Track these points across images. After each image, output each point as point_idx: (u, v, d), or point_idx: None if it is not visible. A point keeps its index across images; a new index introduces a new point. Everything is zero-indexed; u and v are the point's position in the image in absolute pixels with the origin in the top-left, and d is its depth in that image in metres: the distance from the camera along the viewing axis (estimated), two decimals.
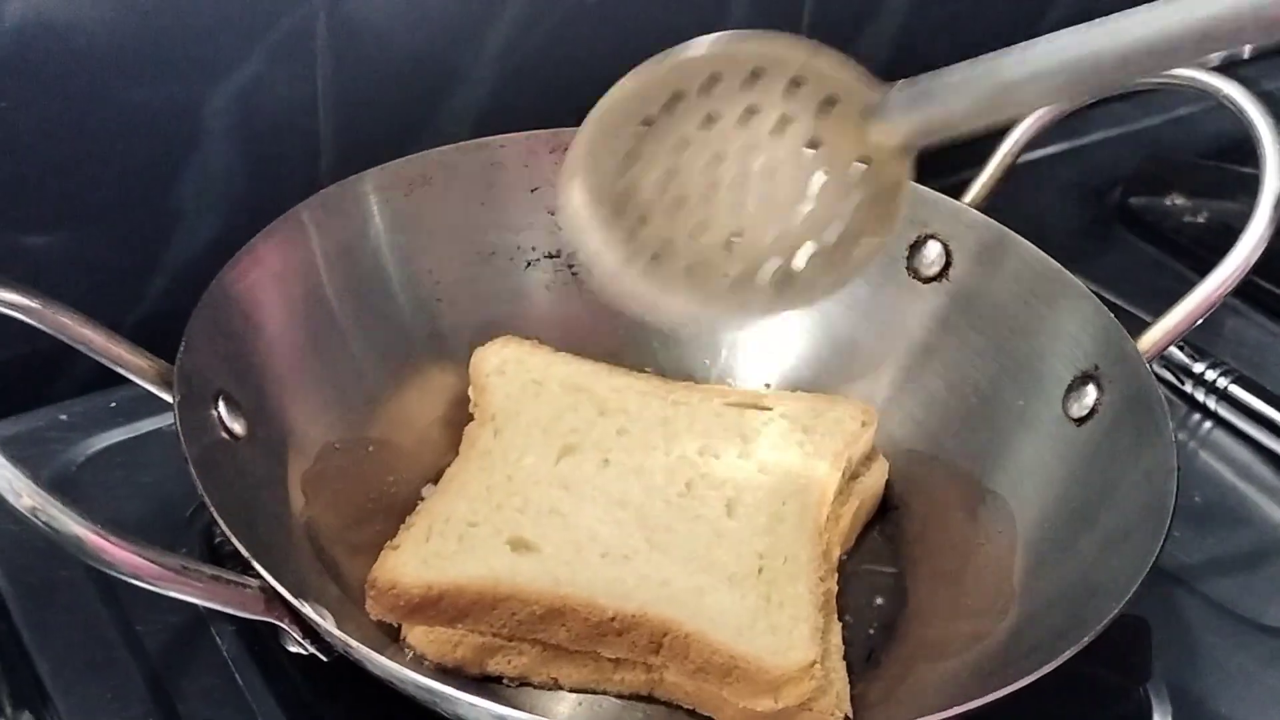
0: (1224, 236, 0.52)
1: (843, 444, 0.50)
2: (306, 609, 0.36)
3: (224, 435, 0.43)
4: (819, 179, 0.42)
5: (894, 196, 0.42)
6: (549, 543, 0.45)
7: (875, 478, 0.52)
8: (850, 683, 0.44)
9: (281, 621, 0.37)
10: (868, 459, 0.52)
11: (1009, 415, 0.50)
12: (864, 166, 0.42)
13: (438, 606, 0.43)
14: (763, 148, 0.43)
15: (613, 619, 0.42)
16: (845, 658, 0.45)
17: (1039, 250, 0.52)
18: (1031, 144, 0.58)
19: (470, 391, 0.52)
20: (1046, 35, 0.39)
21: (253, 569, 0.37)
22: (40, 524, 0.33)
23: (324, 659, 0.38)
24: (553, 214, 0.56)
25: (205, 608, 0.47)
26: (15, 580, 0.48)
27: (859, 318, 0.55)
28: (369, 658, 0.35)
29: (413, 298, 0.53)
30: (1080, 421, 0.48)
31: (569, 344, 0.55)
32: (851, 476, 0.50)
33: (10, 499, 0.33)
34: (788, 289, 0.42)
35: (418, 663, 0.43)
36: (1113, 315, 0.50)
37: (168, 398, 0.42)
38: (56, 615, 0.47)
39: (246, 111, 0.57)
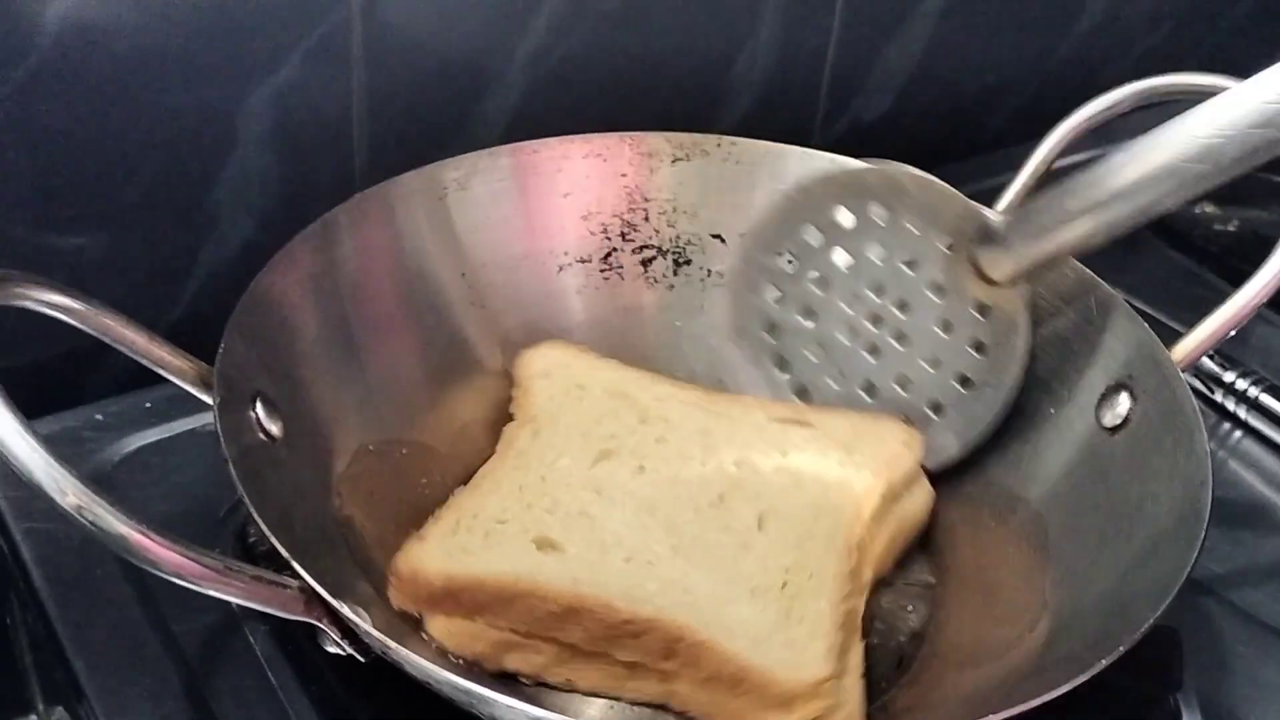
0: (1254, 245, 0.52)
1: (883, 464, 0.49)
2: (345, 609, 0.36)
3: (261, 437, 0.43)
4: (943, 323, 0.47)
5: (1011, 340, 0.45)
6: (574, 544, 0.45)
7: (917, 503, 0.50)
8: (880, 689, 0.44)
9: (320, 622, 0.38)
10: (910, 482, 0.50)
11: (1041, 423, 0.50)
12: (980, 317, 0.46)
13: (458, 598, 0.43)
14: (893, 289, 0.47)
15: (628, 621, 0.42)
16: (876, 665, 0.45)
17: (1073, 259, 0.51)
18: (1064, 152, 0.58)
19: (513, 392, 0.52)
20: (1153, 134, 0.41)
21: (291, 569, 0.37)
22: (85, 522, 0.33)
23: (361, 659, 0.39)
24: (585, 218, 0.56)
25: (240, 607, 0.47)
26: (51, 579, 0.48)
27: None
28: (407, 658, 0.36)
29: (446, 301, 0.53)
30: (1113, 430, 0.48)
31: (599, 348, 0.55)
32: (891, 499, 0.49)
33: (56, 497, 0.33)
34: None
35: (440, 655, 0.43)
36: (1146, 325, 0.49)
37: (207, 399, 0.43)
38: (92, 613, 0.47)
39: (282, 116, 0.58)
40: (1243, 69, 0.56)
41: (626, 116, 0.60)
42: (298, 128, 0.58)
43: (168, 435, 0.55)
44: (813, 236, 0.49)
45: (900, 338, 0.47)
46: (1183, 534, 0.42)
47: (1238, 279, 0.51)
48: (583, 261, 0.56)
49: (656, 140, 0.56)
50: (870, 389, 0.47)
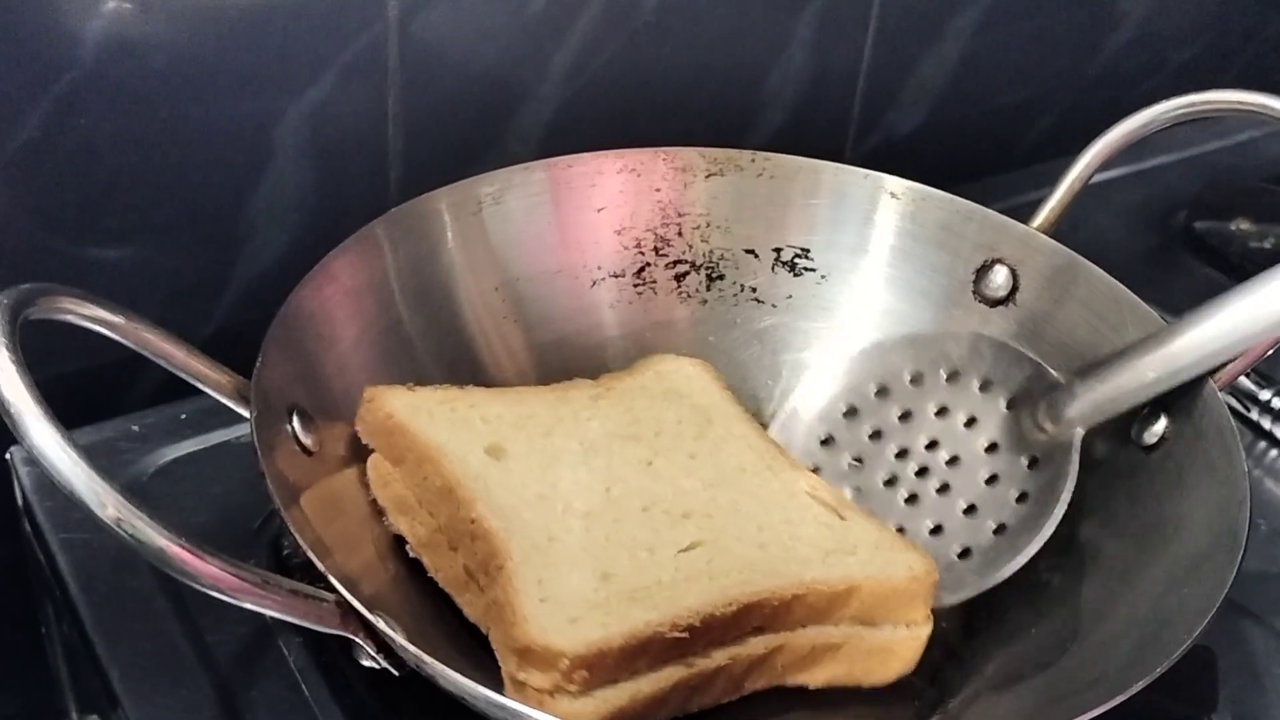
0: None
1: (875, 576, 0.45)
2: (380, 623, 0.36)
3: (297, 450, 0.43)
4: (990, 477, 0.47)
5: (1053, 495, 0.45)
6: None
7: (893, 639, 0.45)
8: (916, 712, 0.44)
9: (356, 636, 0.38)
10: (894, 614, 0.45)
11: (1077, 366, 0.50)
12: (1029, 470, 0.46)
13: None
14: (946, 445, 0.48)
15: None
16: (911, 685, 0.45)
17: (1109, 276, 0.51)
18: (1100, 168, 0.58)
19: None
20: (1232, 297, 0.44)
21: (327, 583, 0.37)
22: (124, 535, 0.34)
23: (395, 673, 0.39)
24: (619, 233, 0.57)
25: (273, 620, 0.48)
26: (87, 589, 0.49)
27: None
28: (441, 673, 0.36)
29: (479, 315, 0.53)
30: (1150, 450, 0.48)
31: (631, 361, 0.55)
32: (850, 610, 0.45)
33: (96, 509, 0.34)
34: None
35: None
36: None
37: (244, 412, 0.43)
38: (128, 624, 0.47)
39: (318, 129, 0.58)
40: (1277, 84, 0.56)
41: (659, 131, 0.60)
42: (333, 142, 0.59)
43: (202, 447, 0.55)
44: (876, 391, 0.50)
45: (943, 489, 0.48)
46: (1221, 554, 0.42)
47: None
48: (616, 276, 0.56)
49: (691, 155, 0.56)
50: (900, 531, 0.47)
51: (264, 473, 0.39)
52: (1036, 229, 0.55)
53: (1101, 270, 0.52)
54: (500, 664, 0.41)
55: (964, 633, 0.48)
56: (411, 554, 0.46)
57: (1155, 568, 0.44)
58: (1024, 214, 0.56)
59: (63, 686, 0.60)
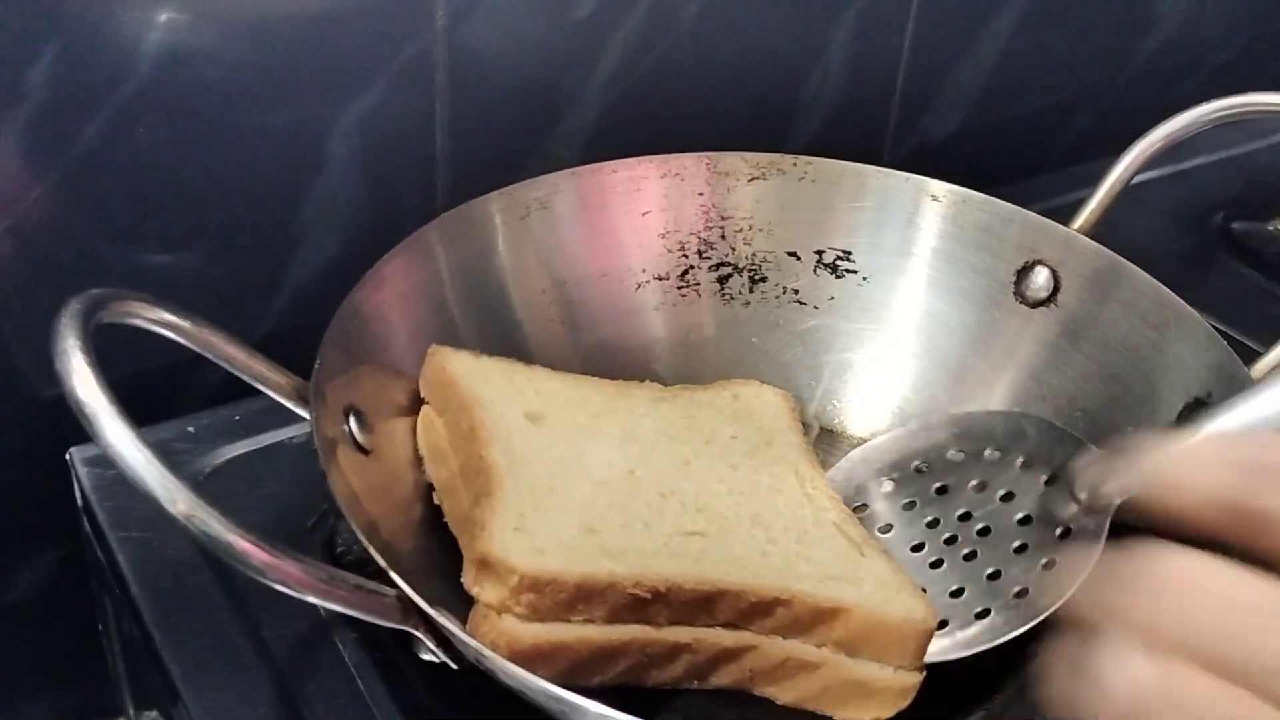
0: None
1: (871, 605, 0.44)
2: (441, 618, 0.37)
3: (354, 450, 0.44)
4: (1020, 547, 0.47)
5: (1082, 563, 0.45)
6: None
7: (878, 676, 0.44)
8: (962, 709, 0.45)
9: (416, 630, 0.38)
10: (886, 655, 0.44)
11: (1119, 440, 0.50)
12: (1060, 540, 0.46)
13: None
14: (979, 517, 0.48)
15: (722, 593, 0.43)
16: (956, 687, 0.45)
17: (1150, 277, 0.52)
18: (1139, 170, 0.59)
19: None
20: (1249, 393, 0.43)
21: (387, 578, 0.38)
22: (195, 530, 0.35)
23: (454, 666, 0.39)
24: (663, 236, 0.57)
25: (328, 615, 0.49)
26: (147, 587, 0.50)
27: (967, 342, 0.56)
28: (502, 667, 0.37)
29: (527, 317, 0.54)
30: None
31: (677, 362, 0.56)
32: (836, 637, 0.44)
33: (167, 505, 0.35)
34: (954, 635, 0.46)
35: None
36: (1225, 343, 0.50)
37: (303, 413, 0.44)
38: (187, 620, 0.48)
39: (368, 137, 0.59)
40: None
41: (699, 137, 0.61)
42: (383, 149, 0.60)
43: (256, 448, 0.56)
44: (921, 467, 0.51)
45: (970, 557, 0.47)
46: None
47: None
48: (660, 279, 0.57)
49: (733, 160, 0.57)
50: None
51: (325, 472, 0.40)
52: (1079, 228, 0.55)
53: (1144, 272, 0.52)
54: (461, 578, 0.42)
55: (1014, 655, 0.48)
56: (435, 499, 0.47)
57: None
58: (1062, 216, 0.57)
59: (120, 684, 0.62)
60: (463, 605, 0.41)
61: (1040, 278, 0.55)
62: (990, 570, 0.47)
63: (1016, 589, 0.46)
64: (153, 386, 0.59)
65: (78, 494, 0.56)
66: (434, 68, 0.59)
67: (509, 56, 0.61)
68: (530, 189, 0.54)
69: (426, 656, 0.39)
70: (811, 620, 0.43)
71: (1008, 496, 0.48)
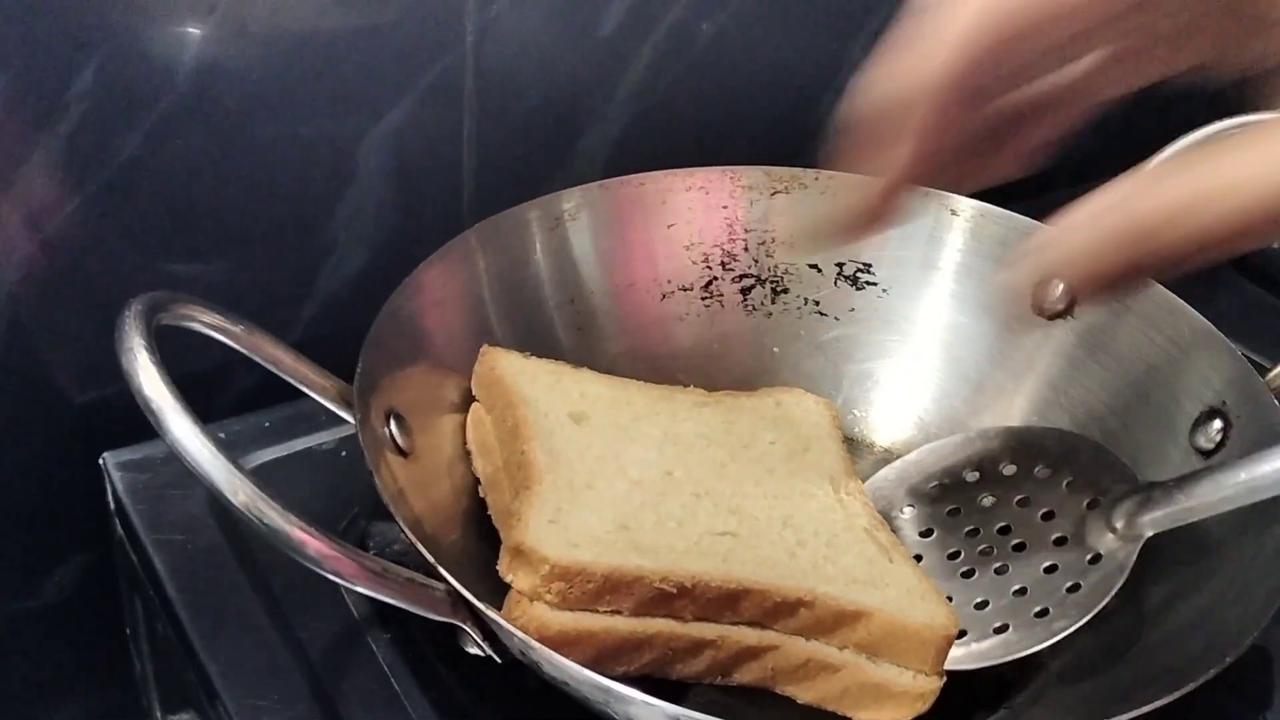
0: None
1: (890, 610, 0.45)
2: (489, 611, 0.38)
3: (395, 452, 0.45)
4: (1050, 567, 0.48)
5: (1103, 590, 0.46)
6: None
7: (896, 680, 0.44)
8: (984, 707, 0.46)
9: (464, 624, 0.39)
10: (904, 658, 0.45)
11: (1136, 449, 0.51)
12: (1090, 565, 0.47)
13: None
14: (1017, 532, 0.49)
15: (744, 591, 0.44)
16: (981, 683, 0.46)
17: (1165, 289, 0.53)
18: None
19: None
20: None
21: (433, 573, 0.39)
22: (256, 520, 0.36)
23: (498, 660, 0.40)
24: (687, 248, 0.59)
25: (361, 616, 0.50)
26: (184, 589, 0.51)
27: (986, 353, 0.57)
28: (548, 658, 0.37)
29: (559, 324, 0.55)
30: (1208, 455, 0.49)
31: (701, 372, 0.57)
32: (858, 638, 0.45)
33: (229, 496, 0.36)
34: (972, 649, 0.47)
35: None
36: (1240, 354, 0.51)
37: (346, 415, 0.45)
38: (223, 622, 0.49)
39: (398, 150, 0.60)
40: None
41: (719, 152, 0.62)
42: (412, 161, 0.61)
43: (286, 453, 0.57)
44: (971, 476, 0.52)
45: (1001, 570, 0.49)
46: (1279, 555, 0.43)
47: None
48: (685, 290, 0.58)
49: (756, 174, 0.58)
50: (947, 600, 0.48)
51: (373, 470, 0.41)
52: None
53: (1158, 284, 0.53)
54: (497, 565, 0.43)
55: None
56: (481, 493, 0.48)
57: (1215, 570, 0.46)
58: None
59: (148, 687, 0.62)
60: (502, 601, 0.42)
61: (1057, 289, 0.56)
62: (1017, 587, 0.48)
63: (1038, 609, 0.47)
64: (184, 393, 0.60)
65: (110, 498, 0.57)
66: (462, 84, 0.60)
67: (535, 74, 0.63)
68: (562, 200, 0.55)
69: (472, 650, 0.40)
70: (834, 622, 0.44)
71: (1048, 515, 0.49)
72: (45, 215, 0.54)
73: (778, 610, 0.44)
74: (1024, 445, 0.51)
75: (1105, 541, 0.47)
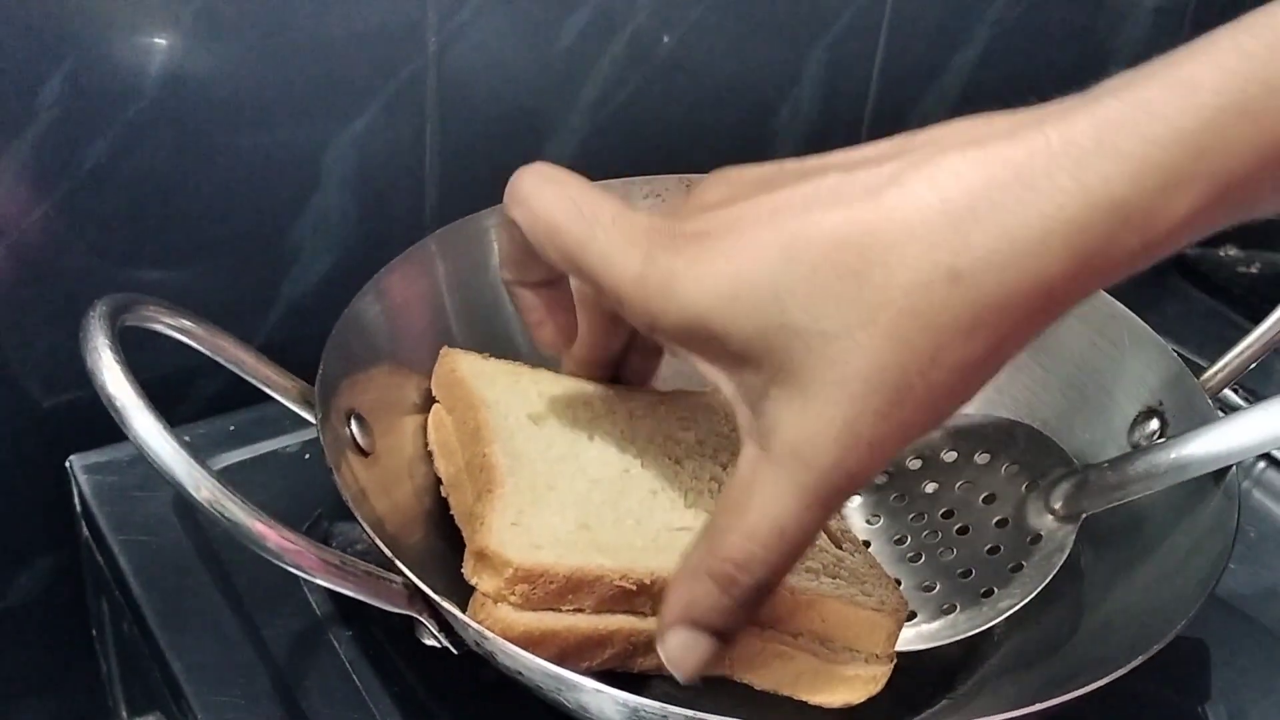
0: (1276, 286, 0.56)
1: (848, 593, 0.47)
2: (444, 603, 0.39)
3: (355, 452, 0.46)
4: (993, 548, 0.50)
5: (1045, 569, 0.48)
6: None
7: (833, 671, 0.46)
8: (929, 697, 0.47)
9: (421, 615, 0.41)
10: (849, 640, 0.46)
11: (1076, 447, 0.52)
12: (1030, 545, 0.49)
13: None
14: (960, 516, 0.51)
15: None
16: (924, 675, 0.48)
17: (1105, 294, 0.54)
18: None
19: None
20: (1223, 420, 0.47)
21: (391, 567, 0.40)
22: (218, 515, 0.37)
23: (454, 651, 0.42)
24: None
25: (324, 614, 0.51)
26: (150, 589, 0.51)
27: None
28: (501, 648, 0.39)
29: (517, 327, 0.55)
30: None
31: (662, 375, 0.57)
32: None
33: (192, 491, 0.37)
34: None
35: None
36: (1175, 354, 0.53)
37: (307, 416, 0.46)
38: (188, 621, 0.50)
39: (362, 159, 0.61)
40: None
41: (679, 161, 0.62)
42: (375, 170, 0.62)
43: (250, 456, 0.58)
44: (914, 464, 0.53)
45: (944, 552, 0.51)
46: (1211, 546, 0.45)
47: (1260, 318, 0.54)
48: None
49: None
50: (895, 583, 0.50)
51: (333, 469, 0.42)
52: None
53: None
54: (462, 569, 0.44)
55: (976, 638, 0.50)
56: (443, 493, 0.49)
57: (1150, 560, 0.48)
58: None
59: (113, 688, 0.63)
60: (462, 595, 0.43)
61: None
62: (962, 569, 0.50)
63: (984, 589, 0.49)
64: (151, 397, 0.60)
65: (77, 500, 0.57)
66: (425, 93, 0.62)
67: (496, 83, 0.64)
68: None
69: (429, 641, 0.41)
70: (789, 613, 0.45)
71: (989, 499, 0.51)
72: (12, 221, 0.55)
73: None
74: (964, 433, 0.53)
75: (1044, 522, 0.49)
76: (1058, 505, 0.49)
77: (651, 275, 0.36)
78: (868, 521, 0.52)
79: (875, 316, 0.32)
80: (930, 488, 0.52)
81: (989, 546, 0.50)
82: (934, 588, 0.49)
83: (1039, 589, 0.48)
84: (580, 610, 0.43)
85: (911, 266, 0.32)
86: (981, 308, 0.32)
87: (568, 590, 0.43)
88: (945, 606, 0.49)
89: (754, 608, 0.38)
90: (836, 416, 0.33)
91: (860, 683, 0.45)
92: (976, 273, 0.32)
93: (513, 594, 0.42)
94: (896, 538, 0.51)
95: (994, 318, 0.32)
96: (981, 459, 0.52)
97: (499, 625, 0.41)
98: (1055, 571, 0.48)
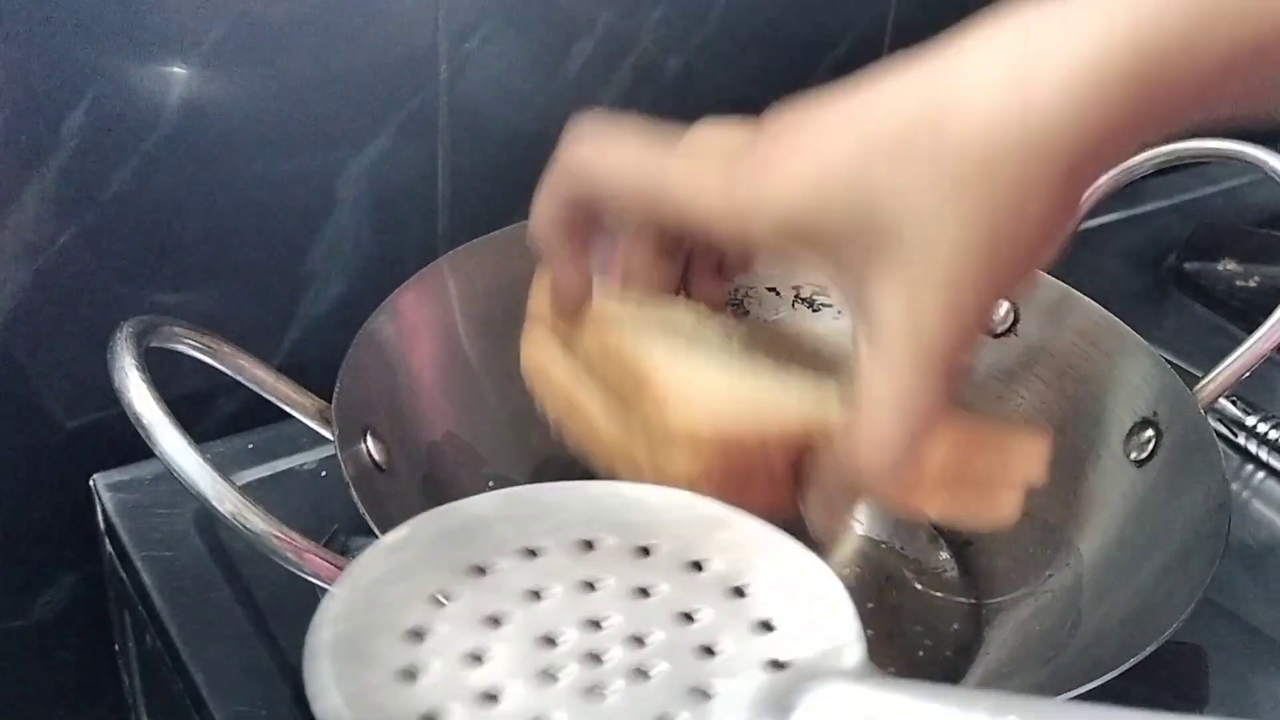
0: (1274, 299, 0.57)
1: None
2: None
3: (371, 466, 0.48)
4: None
5: None
6: None
7: None
8: None
9: None
10: None
11: (1074, 457, 0.54)
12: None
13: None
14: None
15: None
16: (926, 677, 0.49)
17: (1100, 306, 0.55)
18: (1091, 212, 0.63)
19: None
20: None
21: None
22: (241, 526, 0.38)
23: None
24: None
25: None
26: (172, 603, 0.53)
27: None
28: None
29: None
30: (1140, 463, 0.52)
31: None
32: None
33: (216, 504, 0.38)
34: None
35: None
36: (1169, 365, 0.54)
37: (325, 432, 0.48)
38: (209, 633, 0.52)
39: (375, 183, 0.63)
40: (1264, 136, 0.61)
41: None
42: (389, 193, 0.64)
43: (269, 473, 0.60)
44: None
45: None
46: (1205, 551, 0.46)
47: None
48: None
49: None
50: None
51: (350, 482, 0.44)
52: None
53: (1094, 301, 0.56)
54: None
55: (975, 629, 0.52)
56: (553, 434, 0.45)
57: (1146, 566, 0.48)
58: None
59: (136, 700, 0.64)
60: None
61: (1001, 310, 0.58)
62: None
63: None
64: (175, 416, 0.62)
65: (100, 518, 0.59)
66: (436, 118, 0.63)
67: (506, 110, 0.65)
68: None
69: None
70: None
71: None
72: (37, 247, 0.57)
73: None
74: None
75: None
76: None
77: (738, 187, 0.37)
78: None
79: (958, 187, 0.33)
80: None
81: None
82: None
83: None
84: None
85: (981, 131, 0.33)
86: (1055, 157, 0.33)
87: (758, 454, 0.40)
88: None
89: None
90: (938, 287, 0.34)
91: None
92: (1044, 126, 0.33)
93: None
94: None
95: (1066, 164, 0.33)
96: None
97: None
98: None
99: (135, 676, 0.63)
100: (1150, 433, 0.52)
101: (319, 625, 0.29)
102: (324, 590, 0.40)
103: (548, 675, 0.28)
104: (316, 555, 0.39)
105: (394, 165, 0.63)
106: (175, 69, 0.56)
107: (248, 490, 0.56)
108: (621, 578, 0.30)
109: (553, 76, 0.66)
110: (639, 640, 0.29)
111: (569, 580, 0.30)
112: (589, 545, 0.31)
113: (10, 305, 0.57)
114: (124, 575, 0.57)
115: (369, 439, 0.48)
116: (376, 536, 0.42)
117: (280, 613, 0.53)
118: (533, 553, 0.31)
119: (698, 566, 0.31)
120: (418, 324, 0.53)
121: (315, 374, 0.51)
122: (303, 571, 0.39)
